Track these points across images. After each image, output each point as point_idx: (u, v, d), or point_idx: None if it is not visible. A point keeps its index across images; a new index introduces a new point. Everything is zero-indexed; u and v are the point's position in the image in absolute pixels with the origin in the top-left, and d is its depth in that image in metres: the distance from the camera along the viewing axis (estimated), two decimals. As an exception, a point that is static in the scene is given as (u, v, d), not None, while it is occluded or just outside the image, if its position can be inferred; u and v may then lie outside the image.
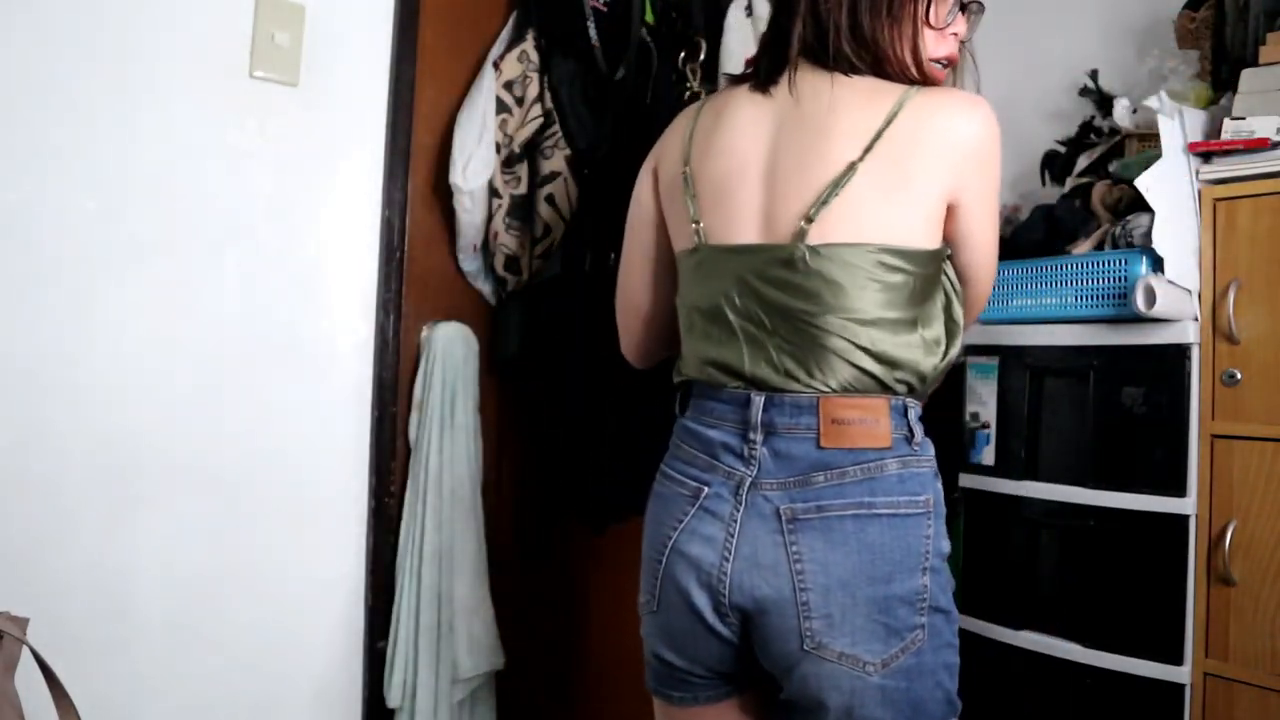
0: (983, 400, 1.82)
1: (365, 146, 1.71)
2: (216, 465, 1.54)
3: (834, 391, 1.09)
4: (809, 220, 1.09)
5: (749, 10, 1.87)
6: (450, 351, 1.80)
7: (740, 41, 1.85)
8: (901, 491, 1.08)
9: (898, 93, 1.11)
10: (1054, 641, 1.66)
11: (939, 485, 1.13)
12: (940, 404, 1.29)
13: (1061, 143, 2.05)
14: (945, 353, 1.15)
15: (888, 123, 1.09)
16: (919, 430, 1.12)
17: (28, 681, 1.07)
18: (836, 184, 1.08)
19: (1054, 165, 2.04)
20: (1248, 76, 1.60)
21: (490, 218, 1.82)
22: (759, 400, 1.11)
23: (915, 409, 1.13)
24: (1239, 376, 1.51)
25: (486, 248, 1.87)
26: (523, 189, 1.85)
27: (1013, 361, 1.78)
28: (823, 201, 1.09)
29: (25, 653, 1.07)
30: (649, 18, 1.88)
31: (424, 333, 1.82)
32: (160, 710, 1.49)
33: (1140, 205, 1.60)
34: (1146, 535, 1.57)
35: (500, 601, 1.84)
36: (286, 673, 1.64)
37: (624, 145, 1.75)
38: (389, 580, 1.75)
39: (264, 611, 1.60)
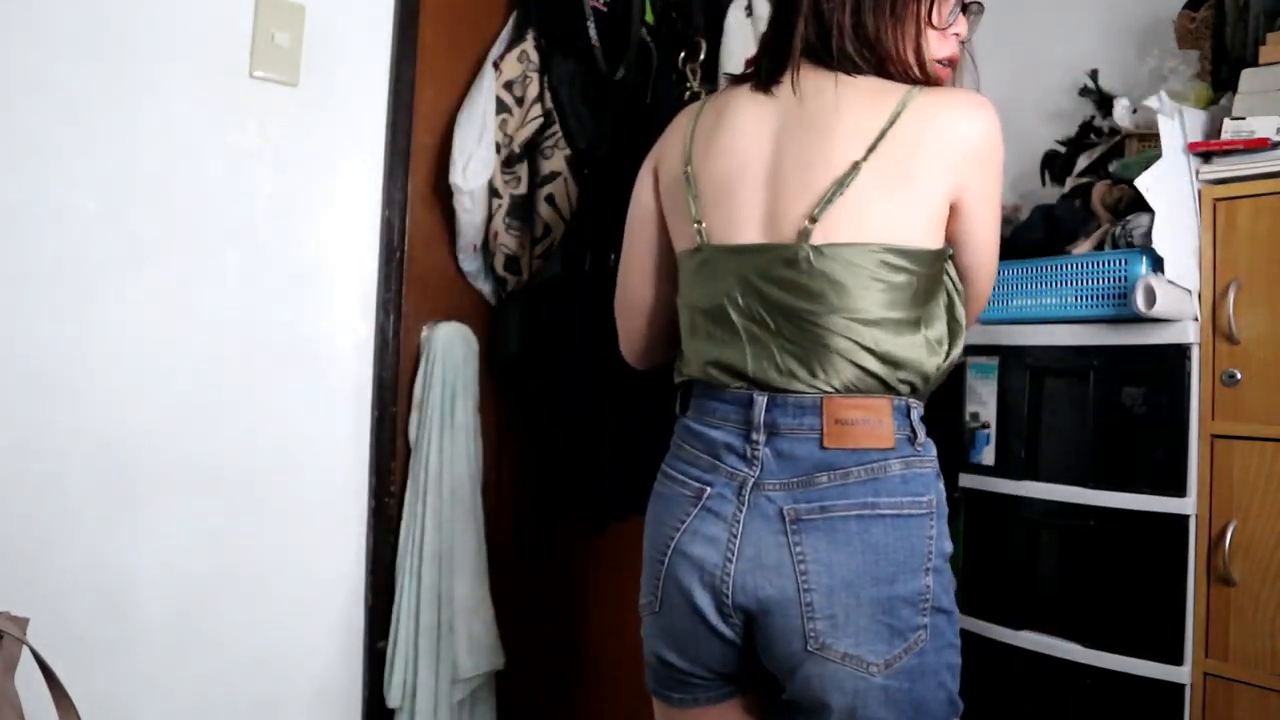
0: (983, 400, 1.82)
1: (365, 146, 1.71)
2: (216, 465, 1.54)
3: (837, 392, 1.09)
4: (813, 220, 1.09)
5: (749, 10, 1.88)
6: (450, 351, 1.80)
7: (740, 42, 1.85)
8: (905, 492, 1.08)
9: (901, 92, 1.11)
10: (1054, 641, 1.66)
11: (941, 486, 1.13)
12: (940, 404, 1.29)
13: (1061, 143, 2.05)
14: (948, 353, 1.15)
15: (891, 122, 1.09)
16: (922, 430, 1.13)
17: (28, 681, 1.07)
18: (840, 183, 1.08)
19: (1054, 165, 2.04)
20: (1248, 76, 1.60)
21: (490, 218, 1.82)
22: (762, 400, 1.10)
23: (918, 409, 1.13)
24: (1239, 376, 1.51)
25: (486, 248, 1.87)
26: (523, 189, 1.84)
27: (1013, 361, 1.78)
28: (827, 201, 1.08)
29: (25, 653, 1.07)
30: (649, 18, 1.88)
31: (424, 333, 1.82)
32: (160, 710, 1.49)
33: (1140, 205, 1.60)
34: (1146, 535, 1.57)
35: (500, 601, 1.84)
36: (286, 673, 1.64)
37: (624, 145, 1.75)
38: (389, 580, 1.74)
39: (264, 611, 1.60)
